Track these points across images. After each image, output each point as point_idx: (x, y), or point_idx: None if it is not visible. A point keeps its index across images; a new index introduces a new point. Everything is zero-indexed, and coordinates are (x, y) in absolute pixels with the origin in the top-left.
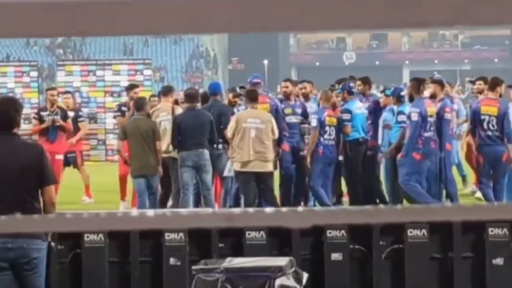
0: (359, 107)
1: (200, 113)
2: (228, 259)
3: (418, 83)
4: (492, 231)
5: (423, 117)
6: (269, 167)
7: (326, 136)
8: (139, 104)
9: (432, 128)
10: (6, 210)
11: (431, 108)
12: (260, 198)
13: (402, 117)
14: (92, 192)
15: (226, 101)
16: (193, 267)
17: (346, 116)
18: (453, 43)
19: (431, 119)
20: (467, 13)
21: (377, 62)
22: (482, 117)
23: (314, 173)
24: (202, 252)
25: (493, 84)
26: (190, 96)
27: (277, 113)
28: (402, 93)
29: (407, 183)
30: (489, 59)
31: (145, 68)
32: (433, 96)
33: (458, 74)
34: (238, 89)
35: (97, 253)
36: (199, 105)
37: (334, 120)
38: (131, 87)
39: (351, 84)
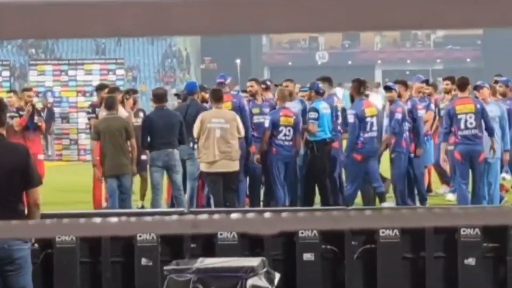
0: (326, 107)
1: (169, 113)
2: (200, 259)
3: (359, 84)
4: (464, 231)
5: (360, 118)
6: (236, 166)
7: (280, 136)
8: (109, 103)
9: (373, 128)
10: None
11: (370, 109)
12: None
13: (313, 114)
14: (65, 192)
15: (200, 100)
16: (165, 268)
17: (313, 115)
18: (426, 42)
19: (372, 119)
20: (436, 16)
21: (349, 62)
22: (459, 116)
23: (272, 173)
24: (174, 253)
25: (463, 83)
26: (158, 96)
27: (242, 112)
28: (320, 86)
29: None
30: (461, 59)
31: (117, 68)
32: (399, 97)
33: (431, 74)
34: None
35: (69, 253)
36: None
37: (291, 120)
38: (101, 87)
39: (320, 85)
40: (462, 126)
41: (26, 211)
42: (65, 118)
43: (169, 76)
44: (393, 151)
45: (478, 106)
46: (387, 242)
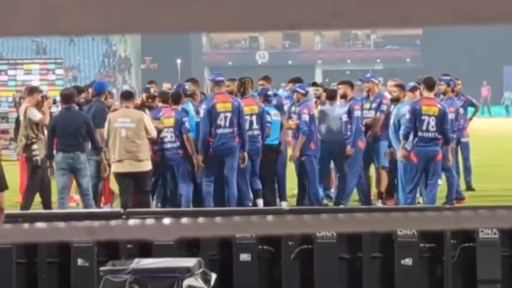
0: (276, 114)
1: (75, 114)
2: (136, 260)
3: (240, 84)
4: (400, 231)
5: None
6: (144, 167)
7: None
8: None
9: (253, 127)
10: None
11: (250, 107)
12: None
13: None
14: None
15: (139, 101)
16: (101, 268)
17: (268, 118)
18: (365, 42)
19: (251, 118)
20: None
21: (290, 62)
22: (423, 117)
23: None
24: (110, 253)
25: (430, 84)
26: (65, 97)
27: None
28: (269, 93)
29: None
30: (401, 59)
31: (57, 68)
32: (344, 96)
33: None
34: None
35: (5, 254)
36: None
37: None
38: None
39: (269, 92)
40: (424, 127)
41: None
42: (4, 118)
43: (110, 76)
44: (303, 154)
45: (442, 110)
46: (324, 243)
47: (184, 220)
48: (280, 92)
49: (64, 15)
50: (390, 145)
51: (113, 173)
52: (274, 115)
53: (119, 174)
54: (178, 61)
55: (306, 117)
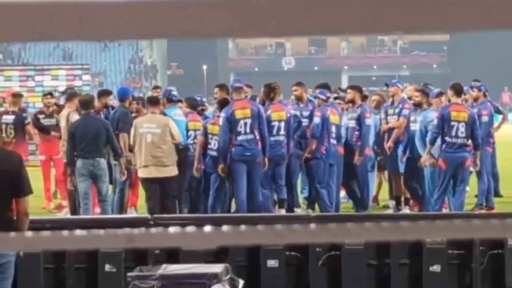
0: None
1: (94, 119)
2: (164, 266)
3: (269, 90)
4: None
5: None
6: (170, 172)
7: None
8: None
9: (280, 133)
10: None
11: (279, 113)
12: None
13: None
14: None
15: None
16: (129, 274)
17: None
18: (392, 48)
19: (279, 124)
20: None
21: (316, 68)
22: (452, 123)
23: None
24: (138, 259)
25: (459, 89)
26: (84, 103)
27: (259, 119)
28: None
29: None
30: (427, 65)
31: (83, 73)
32: (351, 102)
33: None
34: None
35: (32, 259)
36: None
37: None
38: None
39: (173, 92)
40: (453, 133)
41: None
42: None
43: (136, 81)
44: (313, 157)
45: (472, 115)
46: (352, 249)
47: (225, 227)
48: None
49: (94, 20)
50: (403, 151)
51: (139, 179)
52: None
53: (145, 179)
54: (204, 67)
55: (317, 120)
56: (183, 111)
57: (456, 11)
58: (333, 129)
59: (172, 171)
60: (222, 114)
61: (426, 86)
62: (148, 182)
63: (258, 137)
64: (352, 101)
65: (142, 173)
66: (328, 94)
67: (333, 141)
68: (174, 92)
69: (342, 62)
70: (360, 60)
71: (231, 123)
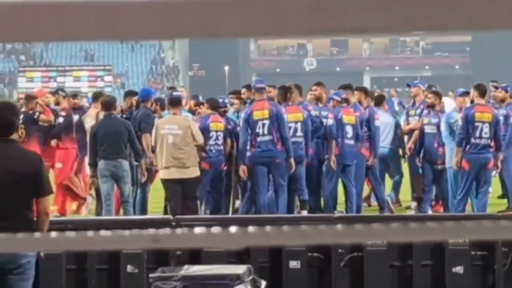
0: None
1: (116, 120)
2: (186, 266)
3: (284, 92)
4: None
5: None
6: (191, 173)
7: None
8: None
9: (297, 134)
10: None
11: (294, 114)
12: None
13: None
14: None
15: (187, 108)
16: (151, 275)
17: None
18: (414, 49)
19: (296, 125)
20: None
21: (338, 69)
22: (476, 124)
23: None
24: (160, 260)
25: (483, 90)
26: (106, 104)
27: (279, 121)
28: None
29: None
30: (450, 66)
31: (106, 75)
32: (359, 103)
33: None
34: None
35: (54, 260)
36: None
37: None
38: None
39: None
40: (477, 134)
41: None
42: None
43: (158, 82)
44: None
45: (495, 116)
46: (374, 250)
47: (251, 228)
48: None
49: (121, 20)
50: (418, 153)
51: (160, 180)
52: None
53: (167, 180)
54: (226, 68)
55: (330, 121)
56: (204, 112)
57: (490, 9)
58: (348, 129)
59: (193, 172)
60: (242, 115)
61: (430, 88)
62: (169, 183)
63: (277, 138)
64: (347, 101)
65: (163, 175)
66: (344, 96)
67: (349, 141)
68: (176, 93)
69: (364, 63)
70: (382, 61)
71: (250, 124)
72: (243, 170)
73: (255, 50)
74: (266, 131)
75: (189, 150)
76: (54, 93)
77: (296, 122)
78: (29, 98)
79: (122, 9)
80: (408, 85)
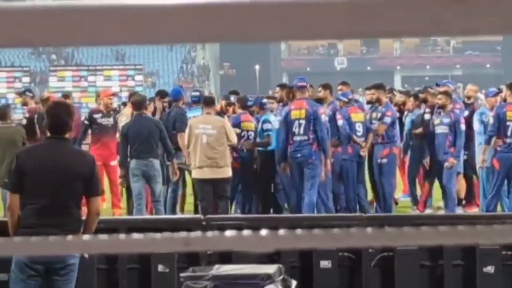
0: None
1: (146, 120)
2: (216, 266)
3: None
4: None
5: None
6: (225, 173)
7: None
8: (1, 113)
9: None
10: (49, 215)
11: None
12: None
13: (267, 126)
14: None
15: (218, 108)
16: (181, 274)
17: (269, 126)
18: (445, 48)
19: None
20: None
21: (368, 68)
22: (508, 123)
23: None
24: (191, 260)
25: None
26: (137, 103)
27: (315, 120)
28: (264, 101)
29: None
30: (480, 65)
31: (136, 74)
32: (378, 101)
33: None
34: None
35: (86, 260)
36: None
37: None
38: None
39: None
40: (509, 133)
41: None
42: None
43: (188, 82)
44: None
45: None
46: (405, 250)
47: (281, 231)
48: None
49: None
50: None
51: (192, 179)
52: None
53: (199, 180)
54: (257, 67)
55: (340, 122)
56: (235, 111)
57: None
58: (358, 127)
59: (226, 172)
60: (282, 114)
61: (438, 86)
62: (202, 183)
63: (312, 139)
64: (378, 101)
65: (196, 174)
66: (350, 96)
67: (359, 139)
68: (195, 93)
69: (395, 62)
70: (413, 60)
71: (287, 123)
72: (283, 167)
73: (286, 49)
74: (302, 131)
75: (222, 150)
76: (22, 93)
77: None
78: (44, 100)
79: (153, 13)
80: (437, 85)
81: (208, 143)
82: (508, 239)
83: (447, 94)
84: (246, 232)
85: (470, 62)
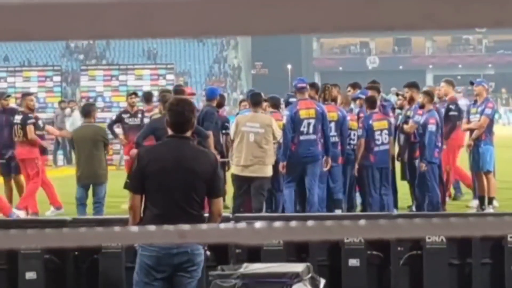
0: None
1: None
2: (245, 265)
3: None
4: (511, 237)
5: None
6: (268, 172)
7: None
8: (86, 111)
9: (309, 131)
10: (170, 217)
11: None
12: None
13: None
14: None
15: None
16: (210, 273)
17: None
18: (477, 47)
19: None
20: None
21: (400, 67)
22: None
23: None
24: (219, 258)
25: None
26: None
27: (323, 119)
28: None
29: None
30: None
31: (168, 73)
32: (410, 101)
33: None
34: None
35: (114, 258)
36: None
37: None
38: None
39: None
40: None
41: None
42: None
43: (220, 81)
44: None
45: None
46: (433, 248)
47: (277, 223)
48: (391, 98)
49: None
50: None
51: (232, 175)
52: None
53: (241, 177)
54: (289, 66)
55: (359, 131)
56: (266, 110)
57: None
58: (377, 135)
59: (269, 171)
60: (286, 113)
61: (472, 84)
62: (242, 181)
63: (319, 138)
64: (411, 100)
65: (240, 171)
66: (369, 93)
67: (384, 147)
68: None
69: (427, 61)
70: (445, 59)
71: (295, 122)
72: (283, 166)
73: (318, 48)
74: (311, 130)
75: (269, 148)
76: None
77: (330, 122)
78: (23, 95)
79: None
80: (472, 83)
81: (255, 142)
82: None
83: (427, 93)
84: (241, 225)
85: (502, 61)
